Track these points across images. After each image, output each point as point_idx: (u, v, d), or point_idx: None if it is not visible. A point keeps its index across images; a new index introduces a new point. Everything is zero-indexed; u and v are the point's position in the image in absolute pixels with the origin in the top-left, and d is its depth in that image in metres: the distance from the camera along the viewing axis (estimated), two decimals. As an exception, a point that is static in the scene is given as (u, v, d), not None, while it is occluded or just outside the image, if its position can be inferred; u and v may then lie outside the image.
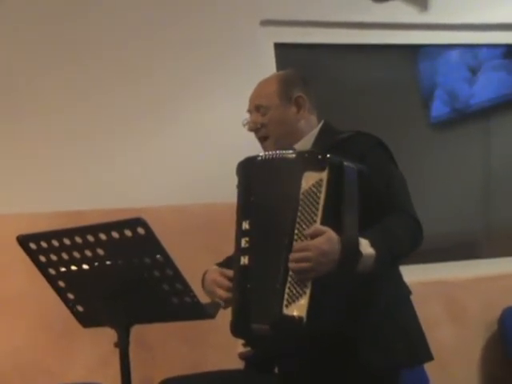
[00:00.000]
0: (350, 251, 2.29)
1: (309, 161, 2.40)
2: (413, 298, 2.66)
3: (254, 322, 2.39)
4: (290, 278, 2.31)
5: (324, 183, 2.33)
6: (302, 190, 2.34)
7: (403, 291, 2.65)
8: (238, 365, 2.65)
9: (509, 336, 4.10)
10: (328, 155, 2.37)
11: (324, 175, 2.33)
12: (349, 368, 2.46)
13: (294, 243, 2.32)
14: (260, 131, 2.74)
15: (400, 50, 4.57)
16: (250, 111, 2.80)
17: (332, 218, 2.32)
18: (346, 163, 2.37)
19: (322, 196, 2.32)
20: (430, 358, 2.62)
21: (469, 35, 4.60)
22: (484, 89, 4.70)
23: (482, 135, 4.72)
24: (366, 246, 2.32)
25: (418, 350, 2.59)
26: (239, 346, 2.54)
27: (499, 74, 4.74)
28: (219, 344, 3.51)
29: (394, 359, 2.49)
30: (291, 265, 2.30)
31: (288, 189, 2.40)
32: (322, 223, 2.31)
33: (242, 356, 2.55)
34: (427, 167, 4.51)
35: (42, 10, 3.73)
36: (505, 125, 4.75)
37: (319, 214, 2.32)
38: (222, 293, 2.51)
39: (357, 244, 2.31)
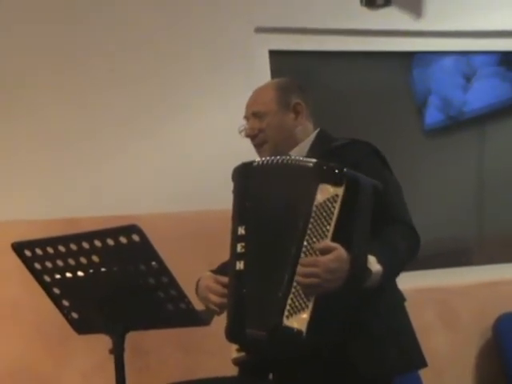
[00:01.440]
0: (359, 270, 2.30)
1: (326, 173, 2.35)
2: (406, 304, 2.67)
3: (249, 327, 2.39)
4: (293, 289, 2.29)
5: (339, 199, 2.30)
6: (315, 202, 2.32)
7: (397, 298, 2.66)
8: (233, 371, 2.66)
9: (503, 342, 4.09)
10: (345, 169, 2.34)
11: (340, 191, 2.31)
12: (342, 374, 2.47)
13: (302, 255, 2.31)
14: (258, 137, 2.74)
15: (394, 56, 4.57)
16: (246, 118, 2.80)
17: (343, 234, 2.31)
18: (362, 180, 2.35)
19: (336, 212, 2.30)
20: (423, 364, 2.63)
21: (463, 42, 4.60)
22: (478, 96, 4.70)
23: (476, 142, 4.72)
24: (374, 264, 2.33)
25: (412, 357, 2.60)
26: (233, 351, 2.54)
27: (493, 80, 4.75)
28: (214, 350, 3.50)
29: (387, 366, 2.50)
30: (298, 278, 2.29)
31: (298, 198, 2.38)
32: (333, 239, 2.30)
33: (235, 361, 2.55)
34: (421, 174, 4.50)
35: (42, 10, 3.72)
36: (499, 132, 4.75)
37: (331, 229, 2.30)
38: (215, 299, 2.51)
39: (365, 263, 2.31)
